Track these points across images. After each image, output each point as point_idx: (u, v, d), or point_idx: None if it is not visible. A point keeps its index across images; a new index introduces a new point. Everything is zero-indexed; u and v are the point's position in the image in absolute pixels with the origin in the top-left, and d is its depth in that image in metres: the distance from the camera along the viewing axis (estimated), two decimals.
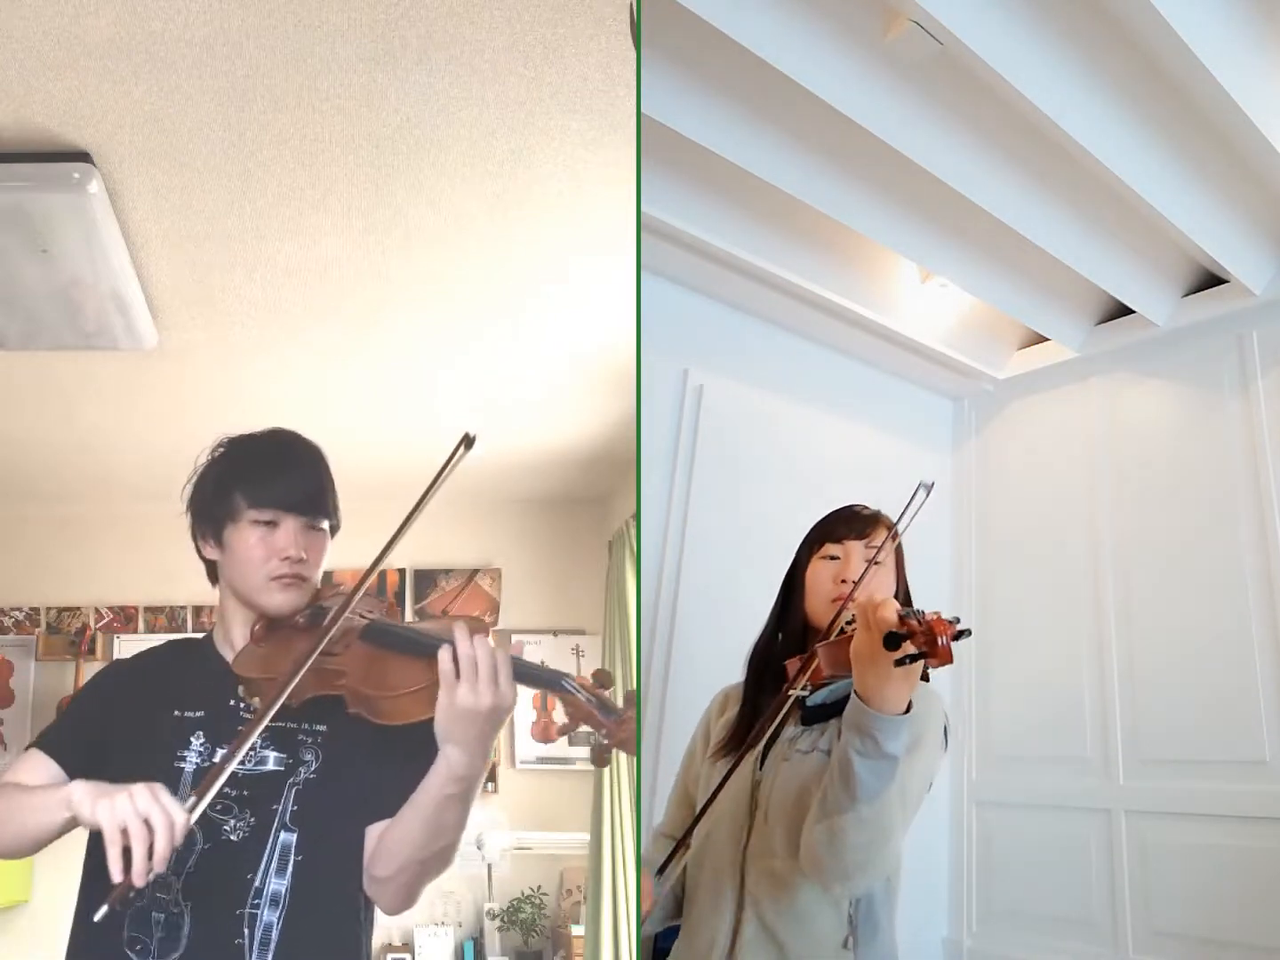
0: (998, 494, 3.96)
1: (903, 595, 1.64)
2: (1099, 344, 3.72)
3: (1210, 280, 3.41)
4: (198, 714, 1.43)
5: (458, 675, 1.27)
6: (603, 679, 1.34)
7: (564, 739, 4.52)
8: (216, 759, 1.36)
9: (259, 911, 1.34)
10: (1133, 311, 3.47)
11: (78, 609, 4.60)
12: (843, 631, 1.45)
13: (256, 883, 1.35)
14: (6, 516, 4.56)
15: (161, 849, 1.15)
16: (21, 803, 1.33)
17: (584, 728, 1.33)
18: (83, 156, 2.14)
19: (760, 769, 1.56)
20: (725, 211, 2.93)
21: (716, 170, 2.60)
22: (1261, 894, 2.91)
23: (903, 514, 1.61)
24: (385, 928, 4.34)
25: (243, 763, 1.36)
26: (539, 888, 4.32)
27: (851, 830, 1.30)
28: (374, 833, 1.42)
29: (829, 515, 1.70)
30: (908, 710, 1.27)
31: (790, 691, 1.46)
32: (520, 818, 4.42)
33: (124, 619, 4.61)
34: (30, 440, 3.82)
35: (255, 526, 1.46)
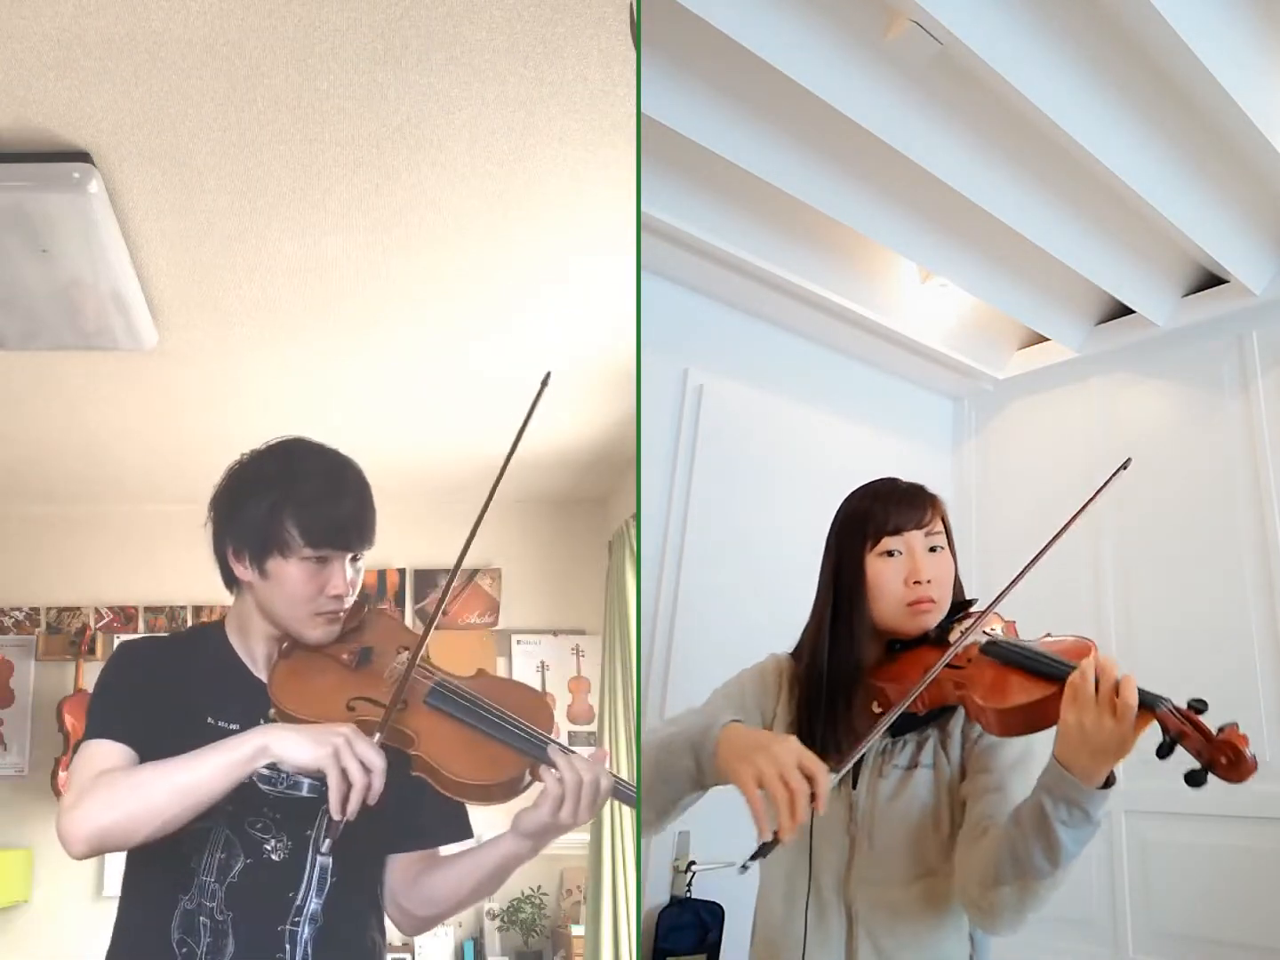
0: (998, 494, 3.96)
1: (956, 579, 1.52)
2: (1099, 344, 3.72)
3: (1210, 280, 3.41)
4: (233, 726, 1.40)
5: (561, 799, 1.35)
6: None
7: (564, 739, 4.55)
8: (253, 776, 1.35)
9: (299, 929, 1.39)
10: (1133, 311, 3.47)
11: (78, 609, 4.60)
12: (948, 644, 1.34)
13: (298, 901, 1.40)
14: (6, 516, 4.56)
15: (377, 787, 1.25)
16: (164, 774, 1.28)
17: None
18: (83, 156, 2.14)
19: (854, 788, 1.44)
20: (725, 211, 2.93)
21: (716, 170, 2.60)
22: (1261, 894, 2.91)
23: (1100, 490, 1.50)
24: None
25: (273, 783, 1.40)
26: (539, 888, 4.32)
27: (1045, 892, 1.26)
28: (403, 862, 1.50)
29: (870, 500, 1.51)
30: (1110, 781, 1.22)
31: (877, 710, 1.37)
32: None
33: (124, 619, 4.61)
34: (30, 440, 3.82)
35: (305, 562, 1.42)
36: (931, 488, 1.54)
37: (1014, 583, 1.43)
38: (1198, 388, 3.44)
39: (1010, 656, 1.34)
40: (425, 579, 4.66)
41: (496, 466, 1.48)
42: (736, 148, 2.50)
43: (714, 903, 2.95)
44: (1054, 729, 1.24)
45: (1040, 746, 1.39)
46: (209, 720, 1.42)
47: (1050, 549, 1.47)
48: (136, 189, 2.27)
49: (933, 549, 1.46)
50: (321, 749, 1.25)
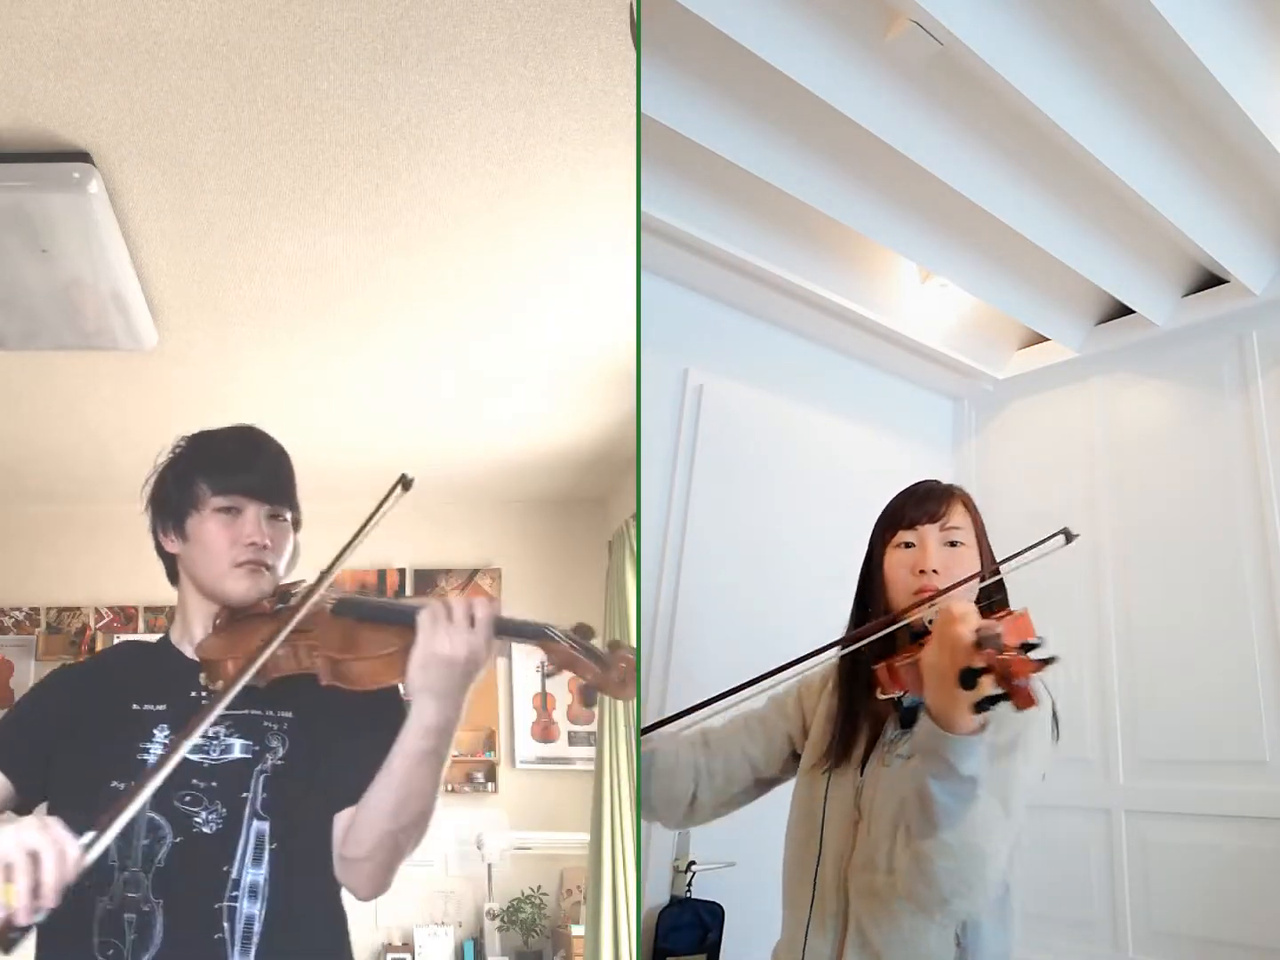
0: (998, 494, 3.95)
1: (989, 573, 1.54)
2: (1099, 344, 3.72)
3: (1210, 280, 3.41)
4: (159, 707, 1.40)
5: (435, 623, 1.28)
6: (584, 630, 1.33)
7: (564, 739, 4.56)
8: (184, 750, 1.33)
9: (238, 904, 1.32)
10: (1133, 311, 3.47)
11: (78, 609, 4.60)
12: (926, 633, 1.35)
13: (233, 874, 1.33)
14: (7, 516, 4.56)
15: (50, 883, 1.06)
16: None
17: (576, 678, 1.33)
18: (83, 156, 2.14)
19: (861, 775, 1.49)
20: (725, 211, 2.93)
21: (716, 170, 2.60)
22: (1261, 894, 2.91)
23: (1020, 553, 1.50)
24: (386, 928, 4.35)
25: (208, 752, 1.36)
26: (539, 888, 4.32)
27: (938, 856, 1.22)
28: (342, 819, 1.39)
29: (898, 496, 1.59)
30: (983, 727, 1.19)
31: (881, 696, 1.40)
32: (520, 818, 4.43)
33: (124, 619, 4.61)
34: (30, 440, 3.82)
35: (218, 514, 1.45)
36: (963, 489, 1.60)
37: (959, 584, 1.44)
38: (1198, 388, 3.44)
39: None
40: (425, 579, 4.66)
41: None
42: (736, 148, 2.50)
43: (714, 903, 2.95)
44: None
45: (1035, 734, 1.40)
46: (134, 706, 1.41)
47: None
48: (136, 189, 2.27)
49: (952, 544, 1.51)
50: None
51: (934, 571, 1.48)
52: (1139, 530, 3.48)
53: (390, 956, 4.26)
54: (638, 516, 2.66)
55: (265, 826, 1.35)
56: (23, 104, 1.99)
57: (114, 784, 1.32)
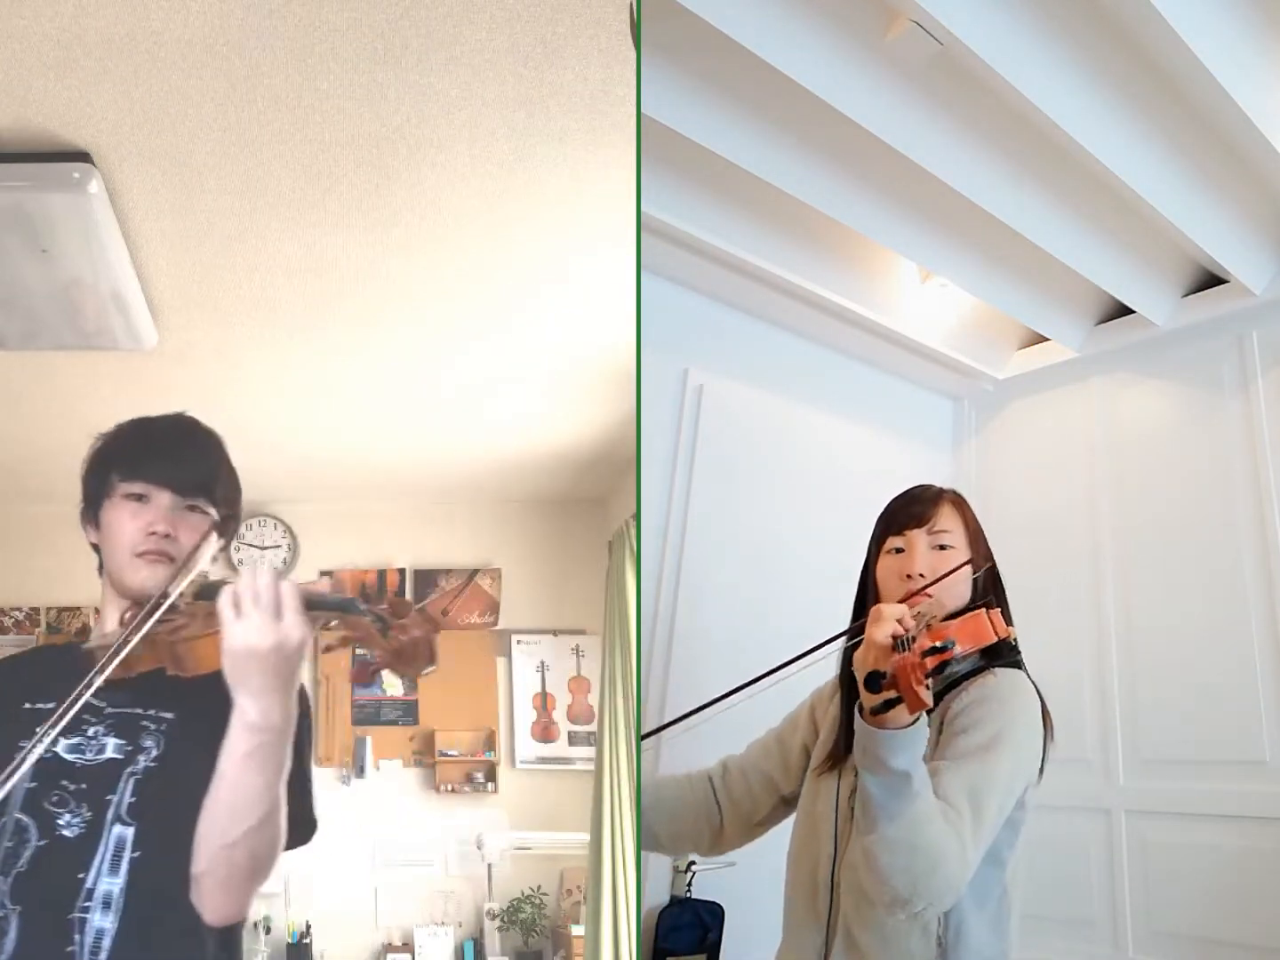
0: (998, 494, 3.95)
1: (985, 575, 1.55)
2: (1099, 344, 3.72)
3: (1210, 280, 3.41)
4: (48, 705, 1.27)
5: (237, 613, 1.15)
6: (398, 606, 1.21)
7: (564, 739, 4.56)
8: (59, 747, 1.26)
9: (89, 915, 1.21)
10: (1133, 311, 3.47)
11: (78, 609, 4.60)
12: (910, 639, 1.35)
13: (88, 883, 1.22)
14: (6, 516, 4.56)
15: None
16: None
17: (366, 651, 1.22)
18: (83, 156, 2.14)
19: (855, 775, 1.48)
20: (725, 211, 2.93)
21: (716, 170, 2.60)
22: (1261, 894, 2.91)
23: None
24: (386, 928, 4.35)
25: (83, 752, 1.28)
26: (539, 888, 4.32)
27: (881, 853, 1.23)
28: None
29: (893, 500, 1.60)
30: (915, 721, 1.20)
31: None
32: (520, 818, 4.43)
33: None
34: (30, 440, 3.82)
35: (127, 501, 1.38)
36: (955, 491, 1.60)
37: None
38: (1198, 388, 3.44)
39: None
40: (425, 579, 4.66)
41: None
42: (736, 148, 2.50)
43: (714, 903, 2.95)
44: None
45: (1021, 734, 1.41)
46: (25, 705, 1.33)
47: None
48: (136, 189, 2.27)
49: (940, 546, 1.51)
50: None
51: (921, 575, 1.48)
52: (1139, 530, 3.48)
53: (390, 956, 4.27)
54: (638, 516, 2.66)
55: (129, 832, 1.25)
56: (23, 104, 1.99)
57: None
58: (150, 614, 1.24)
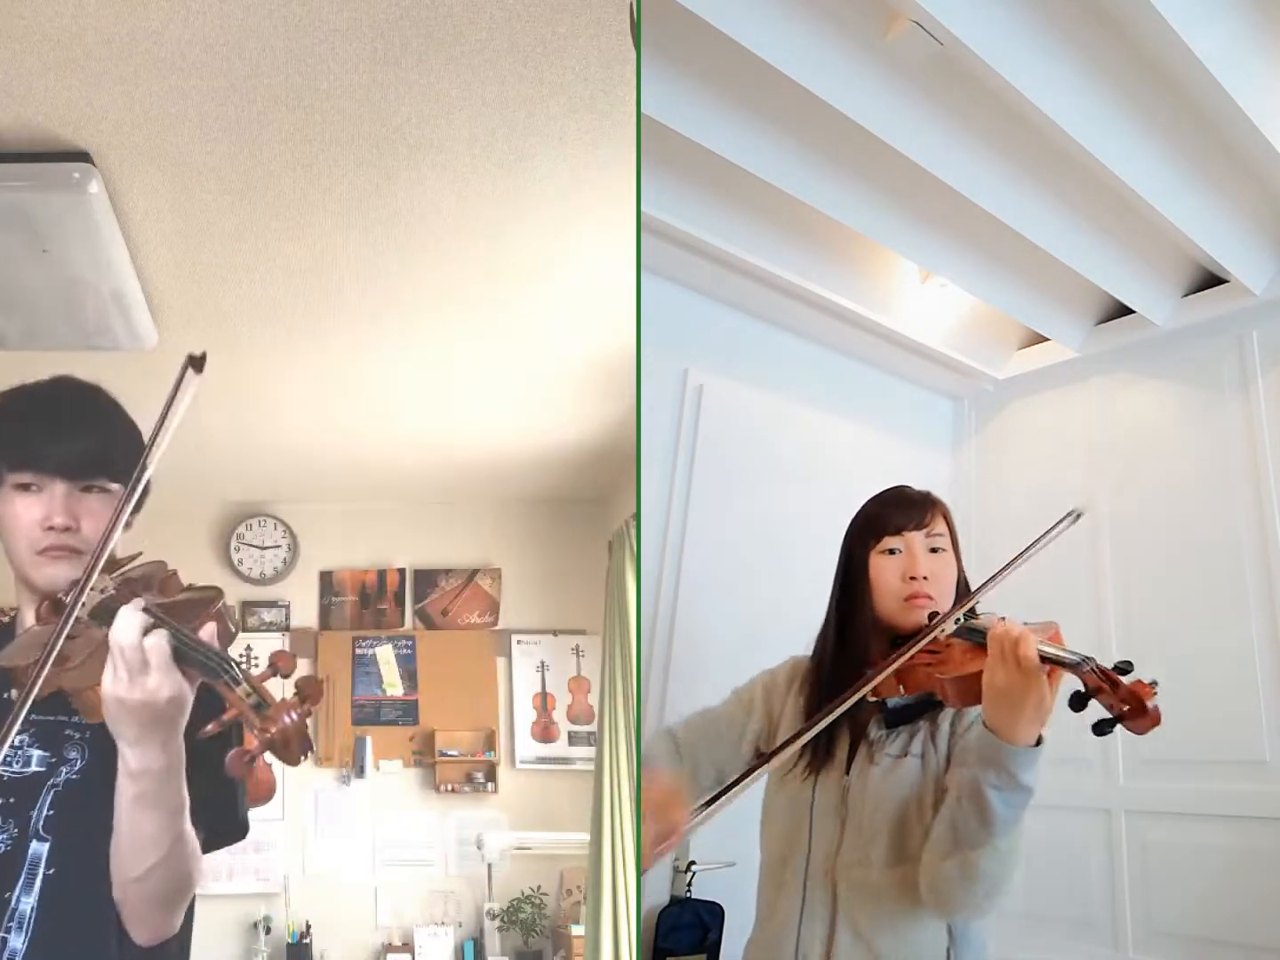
0: (998, 494, 3.96)
1: (962, 580, 1.59)
2: (1099, 344, 3.72)
3: (1210, 280, 3.41)
4: None
5: (111, 665, 1.08)
6: (280, 662, 1.11)
7: (564, 739, 4.56)
8: None
9: (8, 935, 1.15)
10: (1133, 311, 3.47)
11: None
12: (936, 640, 1.38)
13: (12, 903, 1.16)
14: None
15: None
16: None
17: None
18: (83, 156, 2.14)
19: (847, 774, 1.51)
20: (725, 211, 2.93)
21: (716, 170, 2.60)
22: (1261, 894, 2.91)
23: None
24: (386, 928, 4.35)
25: (9, 764, 1.22)
26: (539, 888, 4.32)
27: (987, 863, 1.28)
28: None
29: (874, 504, 1.62)
30: (1039, 741, 1.25)
31: (873, 699, 1.41)
32: (520, 818, 4.43)
33: None
34: None
35: (18, 492, 1.28)
36: (939, 495, 1.63)
37: (986, 585, 1.46)
38: (1198, 388, 3.44)
39: (972, 637, 1.39)
40: (425, 579, 4.66)
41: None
42: (736, 148, 2.50)
43: (714, 903, 2.95)
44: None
45: None
46: None
47: (1034, 551, 1.52)
48: (136, 189, 2.27)
49: (934, 549, 1.55)
50: None
51: (924, 578, 1.51)
52: (1139, 530, 3.49)
53: (390, 956, 4.26)
54: (638, 516, 2.66)
55: (44, 849, 1.19)
56: (23, 104, 1.98)
57: None
58: (68, 620, 1.14)
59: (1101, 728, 1.16)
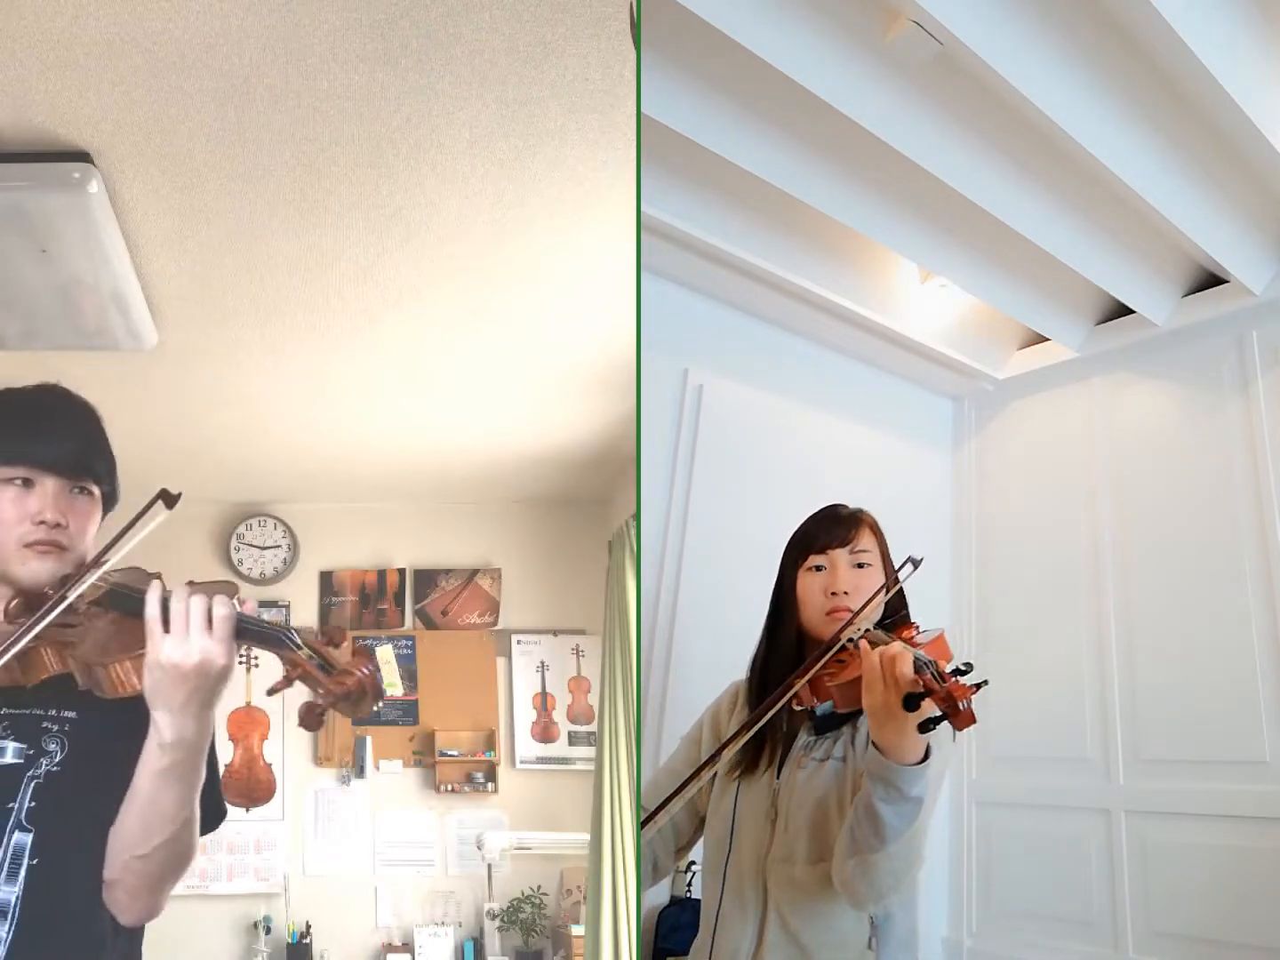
0: (998, 494, 3.96)
1: (897, 593, 1.61)
2: (1099, 344, 3.72)
3: (1210, 280, 3.41)
4: None
5: (166, 628, 1.15)
6: (333, 635, 1.21)
7: (564, 739, 4.56)
8: None
9: None
10: (1133, 311, 3.47)
11: None
12: (844, 647, 1.44)
13: None
14: None
15: None
16: None
17: (313, 689, 1.17)
18: (83, 156, 2.14)
19: (777, 778, 1.58)
20: (725, 211, 2.93)
21: (716, 170, 2.60)
22: (1261, 894, 2.91)
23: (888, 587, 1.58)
24: (386, 928, 4.35)
25: None
26: (539, 888, 4.32)
27: (883, 864, 1.34)
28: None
29: (808, 522, 1.69)
30: (926, 757, 1.29)
31: (797, 707, 1.46)
32: (520, 818, 4.43)
33: None
34: None
35: (7, 486, 1.30)
36: (868, 512, 1.67)
37: (875, 596, 1.52)
38: (1198, 388, 3.45)
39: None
40: (425, 579, 4.66)
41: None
42: (736, 147, 2.51)
43: None
44: None
45: (944, 735, 1.43)
46: None
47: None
48: (136, 189, 2.27)
49: (859, 565, 1.60)
50: None
51: (845, 593, 1.57)
52: (1139, 530, 3.49)
53: (390, 956, 4.26)
54: (638, 516, 2.66)
55: (27, 839, 1.22)
56: (23, 104, 1.98)
57: None
58: (43, 618, 1.19)
59: (925, 726, 1.20)
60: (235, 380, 3.29)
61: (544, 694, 4.61)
